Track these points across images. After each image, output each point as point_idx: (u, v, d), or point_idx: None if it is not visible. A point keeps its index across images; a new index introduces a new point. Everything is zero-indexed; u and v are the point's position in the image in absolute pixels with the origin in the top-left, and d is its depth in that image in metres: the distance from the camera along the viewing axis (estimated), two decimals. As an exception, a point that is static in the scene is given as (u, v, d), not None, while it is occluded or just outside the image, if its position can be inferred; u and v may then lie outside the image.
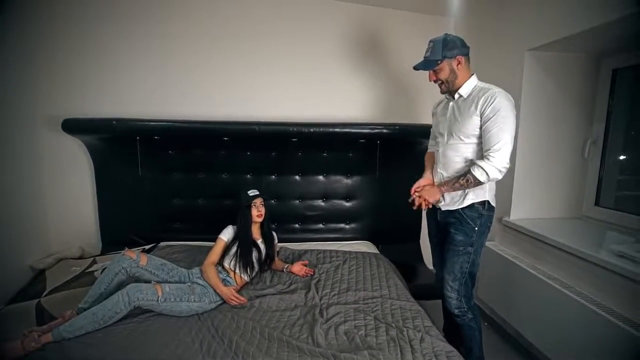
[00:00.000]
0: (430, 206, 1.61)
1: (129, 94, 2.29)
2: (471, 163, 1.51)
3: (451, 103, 1.60)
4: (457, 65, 1.51)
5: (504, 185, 2.06)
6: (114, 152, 2.27)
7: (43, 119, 2.19)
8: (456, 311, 1.64)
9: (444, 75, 1.53)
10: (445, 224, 1.66)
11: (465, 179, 1.48)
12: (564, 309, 1.61)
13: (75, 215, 2.36)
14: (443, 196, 1.61)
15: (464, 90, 1.54)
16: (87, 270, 2.05)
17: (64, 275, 2.00)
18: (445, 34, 1.54)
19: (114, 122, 2.09)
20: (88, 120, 2.12)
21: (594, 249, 1.58)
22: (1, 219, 1.90)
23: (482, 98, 1.45)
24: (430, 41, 1.54)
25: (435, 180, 1.69)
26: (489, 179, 1.44)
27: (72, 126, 2.11)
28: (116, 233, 2.37)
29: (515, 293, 1.94)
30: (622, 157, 1.98)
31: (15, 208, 2.01)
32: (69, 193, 2.33)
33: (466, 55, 1.53)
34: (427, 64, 1.54)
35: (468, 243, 1.58)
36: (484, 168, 1.42)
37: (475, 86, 1.53)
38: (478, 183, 1.46)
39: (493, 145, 1.42)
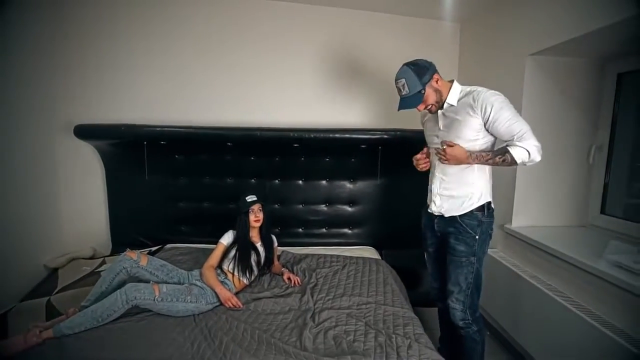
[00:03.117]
0: (449, 162, 1.50)
1: (138, 100, 2.39)
2: (508, 145, 1.44)
3: (440, 112, 1.57)
4: (437, 83, 1.49)
5: (505, 192, 2.03)
6: (123, 156, 2.37)
7: (58, 124, 2.31)
8: (461, 323, 1.58)
9: (431, 99, 1.51)
10: (443, 234, 1.61)
11: (502, 157, 1.42)
12: (563, 320, 1.57)
13: (87, 216, 2.47)
14: (446, 202, 1.56)
15: (452, 98, 1.51)
16: (96, 270, 2.14)
17: (74, 275, 2.10)
18: (404, 65, 1.49)
19: (123, 128, 2.19)
20: (98, 126, 2.23)
21: (593, 259, 1.54)
22: (18, 220, 2.01)
23: (477, 99, 1.43)
24: (399, 79, 1.48)
25: (432, 185, 1.64)
26: (529, 158, 1.40)
27: (84, 132, 2.22)
28: (125, 234, 2.47)
29: (516, 302, 1.89)
30: (629, 164, 1.91)
31: (31, 209, 2.13)
32: (82, 195, 2.45)
33: (436, 70, 1.51)
34: (413, 100, 1.49)
35: (470, 253, 1.52)
36: (526, 147, 1.38)
37: (461, 91, 1.52)
38: (513, 163, 1.42)
39: (519, 135, 1.39)
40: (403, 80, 1.47)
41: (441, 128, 1.57)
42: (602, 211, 1.95)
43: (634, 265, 1.34)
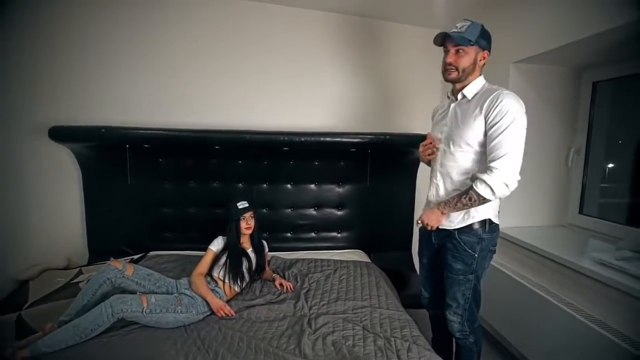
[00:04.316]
0: (432, 228, 1.44)
1: (119, 101, 2.28)
2: (473, 177, 1.33)
3: (453, 105, 1.44)
4: (480, 61, 1.37)
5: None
6: (103, 160, 2.25)
7: (29, 126, 2.16)
8: (458, 334, 1.53)
9: (464, 62, 1.35)
10: (440, 247, 1.51)
11: (467, 196, 1.30)
12: (547, 315, 1.64)
13: (61, 224, 2.31)
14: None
15: (469, 90, 1.38)
16: (72, 281, 2.01)
17: (47, 287, 1.95)
18: (482, 23, 1.37)
19: (103, 130, 2.07)
20: (76, 128, 2.09)
21: (577, 257, 1.61)
22: (-17, 229, 1.86)
23: (488, 100, 1.29)
24: (469, 20, 1.34)
25: (429, 192, 1.55)
26: (494, 196, 1.26)
27: (60, 134, 2.08)
28: (104, 243, 2.33)
29: (501, 299, 1.95)
30: (604, 166, 2.03)
31: (-1, 217, 1.98)
32: (56, 202, 2.29)
33: (489, 52, 1.40)
34: (459, 38, 1.32)
35: (468, 271, 1.43)
36: (488, 182, 1.24)
37: (482, 87, 1.39)
38: (484, 201, 1.28)
39: (499, 154, 1.24)
40: (468, 23, 1.33)
41: (447, 124, 1.45)
42: (580, 211, 2.05)
43: (616, 262, 1.42)
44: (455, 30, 1.34)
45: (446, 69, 1.40)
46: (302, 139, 2.22)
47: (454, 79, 1.40)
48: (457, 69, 1.37)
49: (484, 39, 1.34)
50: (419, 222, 1.48)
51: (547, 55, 1.79)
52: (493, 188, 1.24)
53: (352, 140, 2.30)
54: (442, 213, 1.40)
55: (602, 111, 1.99)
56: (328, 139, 2.27)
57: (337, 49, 2.53)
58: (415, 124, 2.54)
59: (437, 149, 1.49)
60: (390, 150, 2.39)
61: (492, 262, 2.00)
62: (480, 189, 1.27)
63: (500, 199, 1.34)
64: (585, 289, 1.56)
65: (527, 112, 1.90)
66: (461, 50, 1.35)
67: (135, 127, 2.15)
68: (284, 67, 2.47)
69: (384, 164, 2.47)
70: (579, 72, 2.03)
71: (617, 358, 1.31)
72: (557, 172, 2.11)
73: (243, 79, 2.43)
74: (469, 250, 1.41)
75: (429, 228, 1.45)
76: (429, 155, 1.52)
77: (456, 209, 1.36)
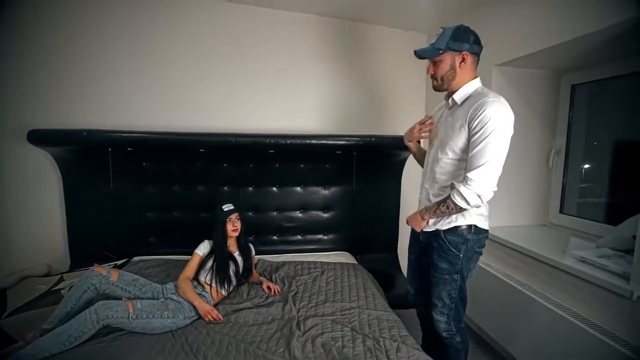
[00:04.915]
0: (419, 229, 1.51)
1: (101, 103, 2.23)
2: (451, 186, 1.36)
3: (446, 110, 1.45)
4: (460, 63, 1.34)
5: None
6: (84, 164, 2.19)
7: (7, 129, 2.09)
8: (444, 334, 1.56)
9: (442, 70, 1.36)
10: (427, 246, 1.54)
11: (445, 205, 1.33)
12: (531, 313, 1.68)
13: (41, 230, 2.25)
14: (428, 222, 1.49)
15: (459, 95, 1.37)
16: (54, 289, 1.95)
17: (27, 295, 1.89)
18: (462, 24, 1.35)
19: (85, 133, 2.02)
20: (56, 131, 2.04)
21: (559, 255, 1.66)
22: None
23: (472, 108, 1.28)
24: (442, 27, 1.35)
25: (420, 196, 1.60)
26: (469, 206, 1.28)
27: (39, 137, 2.02)
28: (86, 248, 2.27)
29: (487, 299, 2.00)
30: (582, 167, 2.10)
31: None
32: (35, 207, 2.22)
33: (475, 54, 1.35)
34: (428, 51, 1.36)
35: (453, 271, 1.44)
36: (462, 193, 1.26)
37: (474, 91, 1.35)
38: (460, 209, 1.32)
39: (475, 165, 1.25)
40: (441, 31, 1.35)
41: (440, 130, 1.46)
42: (561, 210, 2.12)
43: (597, 260, 1.46)
44: (432, 42, 1.37)
45: (431, 80, 1.44)
46: (288, 142, 2.22)
47: (436, 88, 1.43)
48: (436, 78, 1.40)
49: (457, 42, 1.32)
50: (407, 222, 1.56)
51: (528, 58, 1.84)
52: (467, 199, 1.27)
53: (338, 143, 2.31)
54: (423, 218, 1.45)
55: (581, 113, 2.05)
56: (314, 141, 2.27)
57: (323, 52, 2.54)
58: (400, 126, 2.55)
59: (431, 131, 1.51)
60: (376, 152, 2.41)
61: (479, 263, 2.06)
62: (457, 199, 1.29)
63: (478, 207, 1.34)
64: (568, 286, 1.61)
65: None
66: (437, 60, 1.37)
67: (118, 130, 2.10)
68: (269, 70, 2.46)
69: (370, 166, 2.49)
70: (559, 74, 2.09)
71: (600, 353, 1.36)
72: (538, 172, 2.17)
73: (228, 81, 2.41)
74: (454, 250, 1.43)
75: (416, 229, 1.53)
76: (424, 134, 1.53)
77: (435, 215, 1.40)
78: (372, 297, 1.84)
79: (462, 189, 1.27)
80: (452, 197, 1.31)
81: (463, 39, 1.32)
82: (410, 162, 2.30)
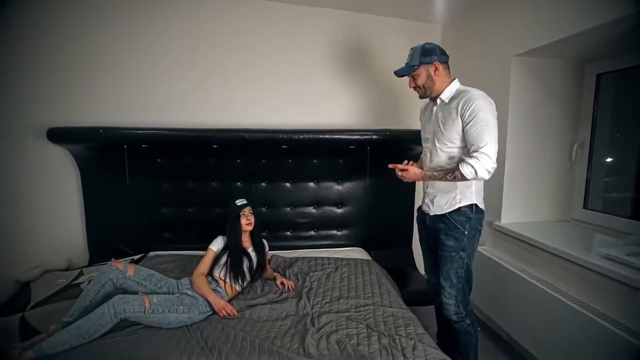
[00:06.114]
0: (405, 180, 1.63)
1: (116, 101, 2.26)
2: (460, 160, 1.51)
3: (435, 108, 1.63)
4: (434, 72, 1.56)
5: (494, 190, 2.07)
6: (101, 161, 2.23)
7: (28, 127, 2.15)
8: (454, 317, 1.63)
9: (420, 80, 1.58)
10: (434, 230, 1.66)
11: (452, 175, 1.49)
12: (555, 313, 1.62)
13: (61, 225, 2.31)
14: (432, 202, 1.64)
15: (445, 95, 1.57)
16: (73, 283, 2.00)
17: (49, 288, 1.95)
18: (426, 42, 1.59)
19: (101, 130, 2.06)
20: (74, 129, 2.08)
21: (583, 252, 1.59)
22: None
23: (461, 102, 1.47)
24: (411, 49, 1.60)
25: (423, 185, 1.73)
26: (476, 178, 1.44)
27: (58, 135, 2.07)
28: (104, 243, 2.32)
29: (507, 297, 1.94)
30: (608, 160, 2.01)
31: (-1, 219, 1.97)
32: (56, 203, 2.28)
33: (444, 62, 1.57)
34: (404, 69, 1.60)
35: (459, 248, 1.57)
36: (474, 166, 1.41)
37: (457, 90, 1.56)
38: (463, 179, 1.47)
39: (480, 146, 1.42)
40: (412, 51, 1.60)
41: (433, 126, 1.63)
42: (585, 206, 2.03)
43: (626, 258, 1.40)
44: (406, 62, 1.60)
45: (416, 91, 1.65)
46: (301, 137, 2.21)
47: (422, 96, 1.65)
48: (419, 89, 1.62)
49: (427, 56, 1.54)
50: (398, 171, 1.62)
51: (549, 47, 1.76)
52: (477, 171, 1.41)
53: (352, 137, 2.29)
54: (424, 176, 1.59)
55: (606, 104, 1.96)
56: (327, 136, 2.25)
57: (335, 45, 2.51)
58: (415, 120, 2.49)
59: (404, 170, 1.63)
60: (390, 146, 2.37)
61: (496, 259, 2.02)
62: (466, 170, 1.43)
63: (478, 181, 1.53)
64: (592, 285, 1.55)
65: (530, 107, 1.94)
66: (415, 75, 1.59)
67: (133, 127, 2.13)
68: (281, 65, 2.45)
69: (384, 160, 2.40)
70: (582, 64, 2.00)
71: (628, 353, 1.30)
72: (560, 166, 2.09)
73: (240, 78, 2.41)
74: (460, 227, 1.56)
75: (400, 177, 1.62)
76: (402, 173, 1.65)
77: (437, 179, 1.55)
78: (387, 294, 1.82)
79: (474, 162, 1.42)
80: (461, 168, 1.44)
81: (431, 53, 1.55)
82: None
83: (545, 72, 1.98)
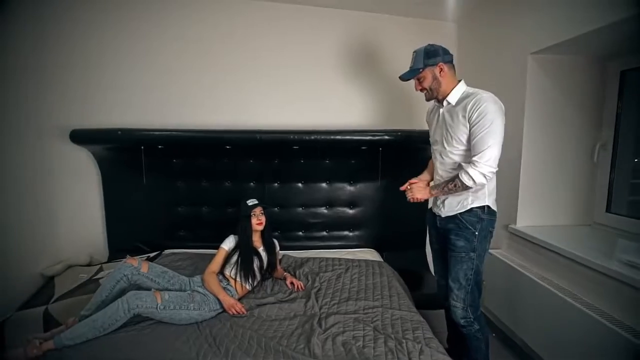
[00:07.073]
0: (419, 201, 1.65)
1: (134, 103, 2.35)
2: (459, 167, 1.53)
3: (441, 110, 1.61)
4: (440, 73, 1.54)
5: (510, 192, 2.01)
6: (120, 161, 2.32)
7: (53, 129, 2.26)
8: (462, 321, 1.60)
9: (427, 83, 1.57)
10: (445, 231, 1.64)
11: (453, 183, 1.51)
12: (571, 320, 1.55)
13: (84, 223, 2.42)
14: (443, 203, 1.62)
15: (452, 97, 1.55)
16: (94, 278, 2.09)
17: (71, 282, 2.05)
18: (428, 44, 1.57)
19: (119, 132, 2.14)
20: (94, 130, 2.17)
21: (602, 258, 1.52)
22: (13, 227, 1.97)
23: (470, 103, 1.46)
24: (414, 52, 1.59)
25: (432, 184, 1.71)
26: (475, 184, 1.45)
27: (80, 136, 2.17)
28: (123, 241, 2.41)
29: (522, 302, 1.88)
30: (633, 161, 1.91)
31: (26, 216, 2.08)
32: (78, 201, 2.39)
33: (449, 62, 1.55)
34: (409, 73, 1.59)
35: (470, 249, 1.55)
36: (470, 173, 1.44)
37: (464, 92, 1.54)
38: (466, 187, 1.48)
39: (479, 150, 1.43)
40: (414, 54, 1.58)
41: (441, 128, 1.62)
42: (608, 209, 1.94)
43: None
44: (410, 65, 1.59)
45: (423, 93, 1.65)
46: (313, 137, 2.22)
47: (429, 98, 1.65)
48: (426, 91, 1.61)
49: (431, 58, 1.53)
50: (407, 191, 1.67)
51: (566, 44, 1.69)
52: (474, 178, 1.44)
53: (364, 138, 2.27)
54: (431, 191, 1.62)
55: (631, 103, 1.86)
56: (339, 137, 2.25)
57: (348, 45, 2.50)
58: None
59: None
60: (402, 147, 2.35)
61: (512, 264, 1.96)
62: (464, 178, 1.46)
63: (484, 185, 1.51)
64: (612, 293, 1.47)
65: (548, 106, 1.85)
66: (420, 77, 1.58)
67: (149, 129, 2.21)
68: (294, 67, 2.46)
69: (396, 161, 2.42)
70: (604, 61, 1.91)
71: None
72: (581, 168, 2.00)
73: (254, 79, 2.44)
74: (471, 228, 1.55)
75: (411, 199, 1.65)
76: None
77: (442, 192, 1.58)
78: (396, 297, 1.80)
79: (470, 169, 1.44)
80: (460, 176, 1.47)
81: (435, 54, 1.53)
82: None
83: (563, 69, 1.90)
